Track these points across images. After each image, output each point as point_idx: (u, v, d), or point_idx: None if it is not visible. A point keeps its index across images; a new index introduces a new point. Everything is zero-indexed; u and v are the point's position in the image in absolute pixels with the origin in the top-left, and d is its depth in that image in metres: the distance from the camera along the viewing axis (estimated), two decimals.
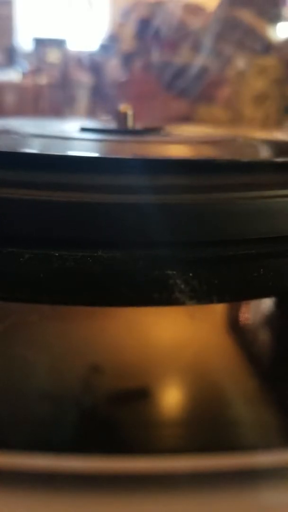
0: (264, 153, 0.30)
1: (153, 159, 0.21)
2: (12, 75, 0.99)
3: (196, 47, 0.78)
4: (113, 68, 0.88)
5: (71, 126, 0.33)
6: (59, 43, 1.04)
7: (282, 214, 0.18)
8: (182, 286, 0.16)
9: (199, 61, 0.77)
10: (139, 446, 0.12)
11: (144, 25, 0.83)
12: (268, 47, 0.78)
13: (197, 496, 0.12)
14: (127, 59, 0.86)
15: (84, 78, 0.90)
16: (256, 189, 0.18)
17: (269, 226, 0.18)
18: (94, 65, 0.90)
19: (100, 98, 0.88)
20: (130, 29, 0.86)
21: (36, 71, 0.97)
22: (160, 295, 0.16)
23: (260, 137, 0.37)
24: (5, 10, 1.08)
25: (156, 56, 0.82)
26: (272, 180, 0.19)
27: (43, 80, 0.93)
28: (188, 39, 0.79)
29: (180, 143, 0.31)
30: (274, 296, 0.17)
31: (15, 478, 0.12)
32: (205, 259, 0.17)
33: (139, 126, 0.33)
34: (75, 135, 0.30)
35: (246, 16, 0.77)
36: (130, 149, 0.28)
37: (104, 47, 0.93)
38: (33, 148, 0.27)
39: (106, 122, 0.40)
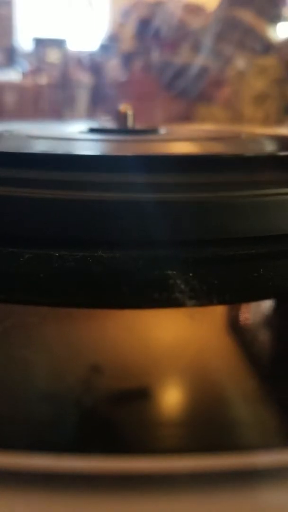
0: (264, 151, 0.30)
1: (153, 157, 0.21)
2: (12, 75, 0.99)
3: (196, 47, 0.78)
4: (113, 68, 0.88)
5: (73, 127, 0.33)
6: (59, 43, 1.04)
7: (282, 213, 0.18)
8: (182, 286, 0.16)
9: (199, 61, 0.77)
10: (139, 446, 0.12)
11: (144, 25, 0.83)
12: (268, 47, 0.78)
13: (197, 496, 0.12)
14: (127, 59, 0.86)
15: (84, 78, 0.90)
16: (256, 188, 0.18)
17: (269, 225, 0.18)
18: (94, 65, 0.90)
19: (100, 98, 0.88)
20: (130, 29, 0.86)
21: (36, 71, 0.97)
22: (160, 295, 0.16)
23: (261, 134, 0.37)
24: (5, 10, 1.08)
25: (156, 56, 0.82)
26: (272, 178, 0.19)
27: (43, 80, 0.93)
28: (188, 39, 0.79)
29: (182, 141, 0.31)
30: (274, 297, 0.17)
31: (15, 478, 0.12)
32: (205, 259, 0.17)
33: (140, 126, 0.33)
34: (77, 135, 0.30)
35: (246, 16, 0.77)
36: (131, 148, 0.28)
37: (104, 47, 0.93)
38: (34, 147, 0.27)
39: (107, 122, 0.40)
